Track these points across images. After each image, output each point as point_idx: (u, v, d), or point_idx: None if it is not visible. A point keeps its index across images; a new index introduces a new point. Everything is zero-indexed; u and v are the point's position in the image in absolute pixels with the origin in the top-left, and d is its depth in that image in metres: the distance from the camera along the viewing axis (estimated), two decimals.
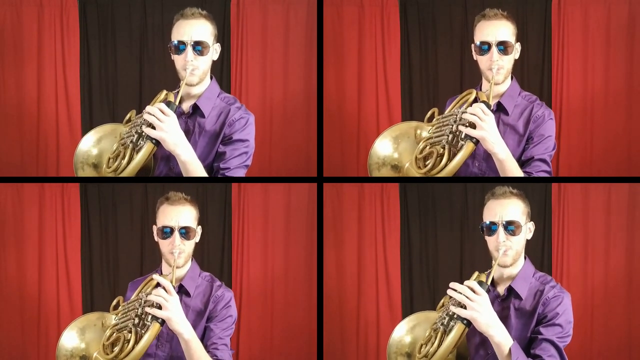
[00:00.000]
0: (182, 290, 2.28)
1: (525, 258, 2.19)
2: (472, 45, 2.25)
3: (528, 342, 2.13)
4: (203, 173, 2.25)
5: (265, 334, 2.86)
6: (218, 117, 2.27)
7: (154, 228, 2.29)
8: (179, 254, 2.23)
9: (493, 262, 2.19)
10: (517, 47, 2.25)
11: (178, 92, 2.21)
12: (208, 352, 2.23)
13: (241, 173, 2.30)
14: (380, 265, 2.87)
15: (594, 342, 2.80)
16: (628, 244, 2.80)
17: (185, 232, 2.25)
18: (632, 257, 2.80)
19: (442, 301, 2.18)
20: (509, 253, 2.14)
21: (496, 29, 2.20)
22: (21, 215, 2.86)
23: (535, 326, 2.12)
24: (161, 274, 2.25)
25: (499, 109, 2.27)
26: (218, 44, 2.28)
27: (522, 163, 2.25)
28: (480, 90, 2.27)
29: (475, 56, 2.25)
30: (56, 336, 2.84)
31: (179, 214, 2.25)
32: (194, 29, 2.21)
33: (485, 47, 2.21)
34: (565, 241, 2.82)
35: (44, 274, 2.86)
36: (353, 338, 2.87)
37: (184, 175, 2.24)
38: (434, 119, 2.24)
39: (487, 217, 2.17)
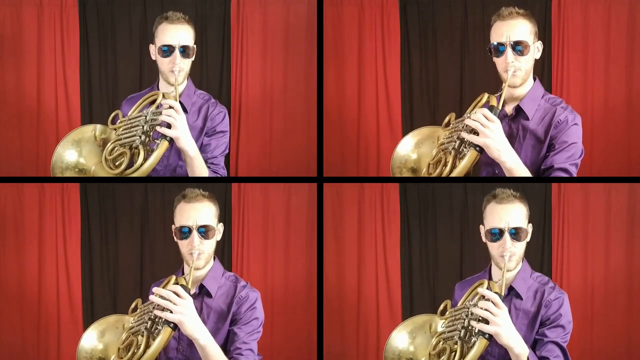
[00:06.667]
0: (203, 291, 2.19)
1: (523, 260, 2.19)
2: (488, 47, 2.15)
3: (532, 343, 2.13)
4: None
5: (265, 334, 2.85)
6: (199, 112, 2.36)
7: (172, 228, 2.21)
8: (198, 255, 2.14)
9: (492, 263, 2.19)
10: (538, 45, 2.14)
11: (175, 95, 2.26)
12: (231, 358, 2.14)
13: (222, 160, 2.39)
14: (380, 265, 2.87)
15: (594, 342, 2.80)
16: (628, 244, 2.80)
17: (205, 231, 2.17)
18: (632, 257, 2.80)
19: (443, 304, 2.17)
20: (513, 258, 2.12)
21: (511, 29, 2.09)
22: (21, 215, 2.86)
23: (539, 328, 2.13)
24: (183, 275, 2.15)
25: (519, 114, 2.16)
26: (195, 46, 2.34)
27: (543, 172, 2.15)
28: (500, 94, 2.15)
29: (493, 58, 2.16)
30: (56, 336, 2.85)
31: (197, 212, 2.17)
32: (180, 33, 2.29)
33: (501, 48, 2.11)
34: (565, 241, 2.82)
35: (44, 274, 2.86)
36: (353, 338, 2.87)
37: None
38: (450, 125, 2.16)
39: (492, 223, 2.12)
